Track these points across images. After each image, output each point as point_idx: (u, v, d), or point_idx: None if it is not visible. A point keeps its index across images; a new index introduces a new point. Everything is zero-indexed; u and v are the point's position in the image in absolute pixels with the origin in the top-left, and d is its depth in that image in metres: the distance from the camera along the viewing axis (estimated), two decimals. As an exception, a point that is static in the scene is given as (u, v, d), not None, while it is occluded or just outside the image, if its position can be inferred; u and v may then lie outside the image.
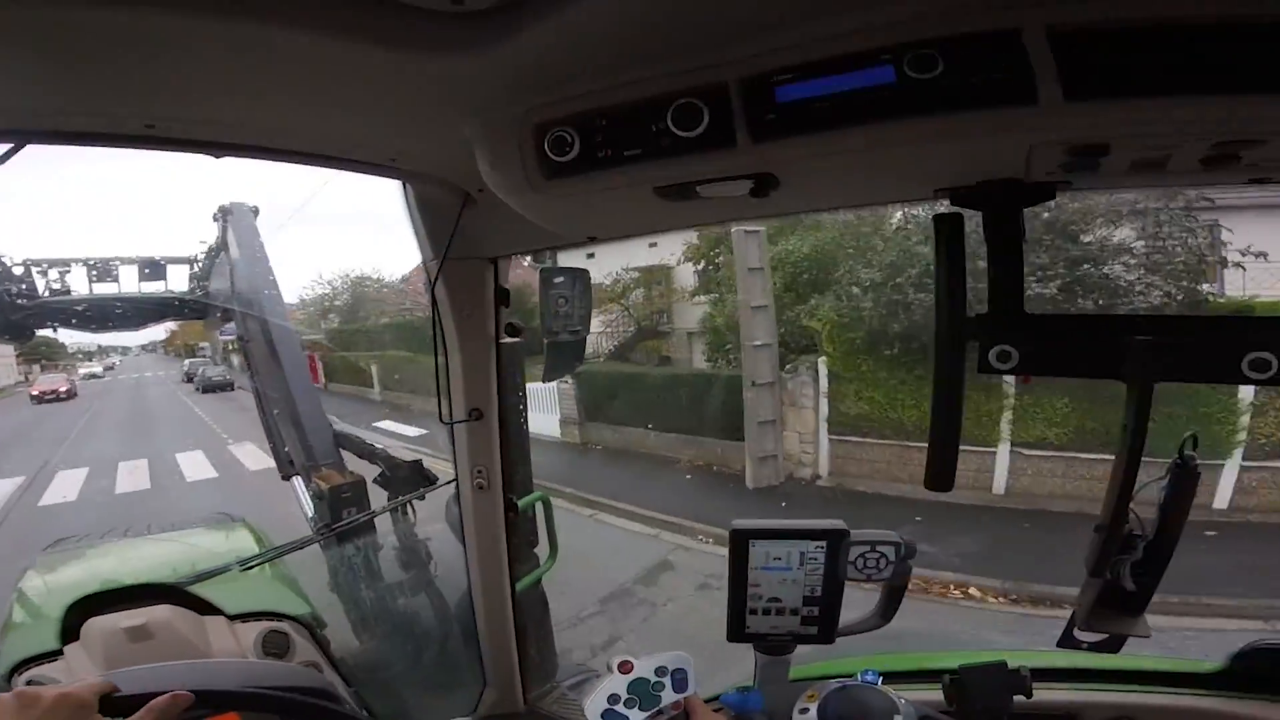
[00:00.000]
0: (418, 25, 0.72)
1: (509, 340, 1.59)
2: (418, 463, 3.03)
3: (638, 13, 0.70)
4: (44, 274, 3.66)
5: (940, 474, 0.90)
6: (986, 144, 0.74)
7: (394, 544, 2.98)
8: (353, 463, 3.19)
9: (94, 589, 2.11)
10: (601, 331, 15.93)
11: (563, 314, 1.62)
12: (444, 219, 1.35)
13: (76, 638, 1.96)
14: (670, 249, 14.39)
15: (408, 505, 2.99)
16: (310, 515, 3.12)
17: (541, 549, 2.27)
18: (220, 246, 3.84)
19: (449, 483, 1.80)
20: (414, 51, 0.75)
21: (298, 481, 3.31)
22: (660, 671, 1.13)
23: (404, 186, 1.39)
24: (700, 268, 14.61)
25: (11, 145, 0.89)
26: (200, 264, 4.07)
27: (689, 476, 10.38)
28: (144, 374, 37.74)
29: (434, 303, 1.49)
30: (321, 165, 1.13)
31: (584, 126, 0.83)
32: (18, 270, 3.57)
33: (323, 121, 0.99)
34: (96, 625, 1.94)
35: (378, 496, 3.03)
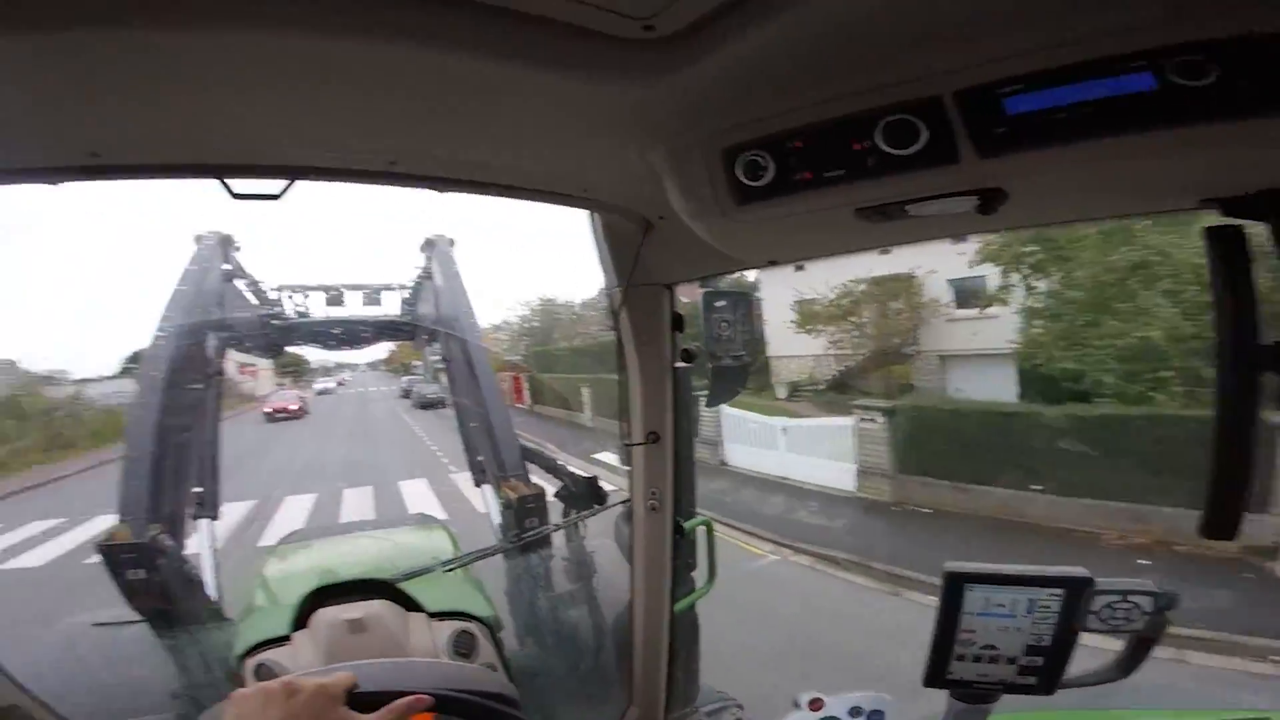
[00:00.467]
0: (608, 52, 0.73)
1: (683, 365, 1.61)
2: (594, 480, 3.15)
3: (837, 28, 0.67)
4: (290, 298, 4.41)
5: (1222, 522, 0.81)
6: (1273, 151, 0.64)
7: (563, 556, 3.10)
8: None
9: (323, 582, 2.34)
10: (824, 354, 14.65)
11: (725, 338, 1.61)
12: (627, 246, 1.40)
13: (304, 626, 2.19)
14: (912, 258, 12.45)
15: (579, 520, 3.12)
16: (498, 523, 3.38)
17: (699, 574, 2.25)
18: (425, 275, 4.36)
19: (623, 502, 1.85)
20: (605, 79, 0.76)
21: (487, 489, 3.62)
22: (855, 712, 1.05)
23: (591, 216, 1.45)
24: (1014, 271, 11.38)
25: (288, 180, 1.04)
26: (409, 291, 4.65)
27: (1143, 562, 7.17)
28: (368, 389, 39.92)
29: (617, 328, 1.56)
30: (524, 199, 1.21)
31: (778, 149, 0.80)
32: (272, 295, 4.33)
33: (525, 157, 1.05)
34: (323, 616, 2.10)
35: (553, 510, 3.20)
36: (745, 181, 0.82)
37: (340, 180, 1.07)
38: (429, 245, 4.31)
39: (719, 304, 1.58)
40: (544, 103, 0.84)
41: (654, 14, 0.68)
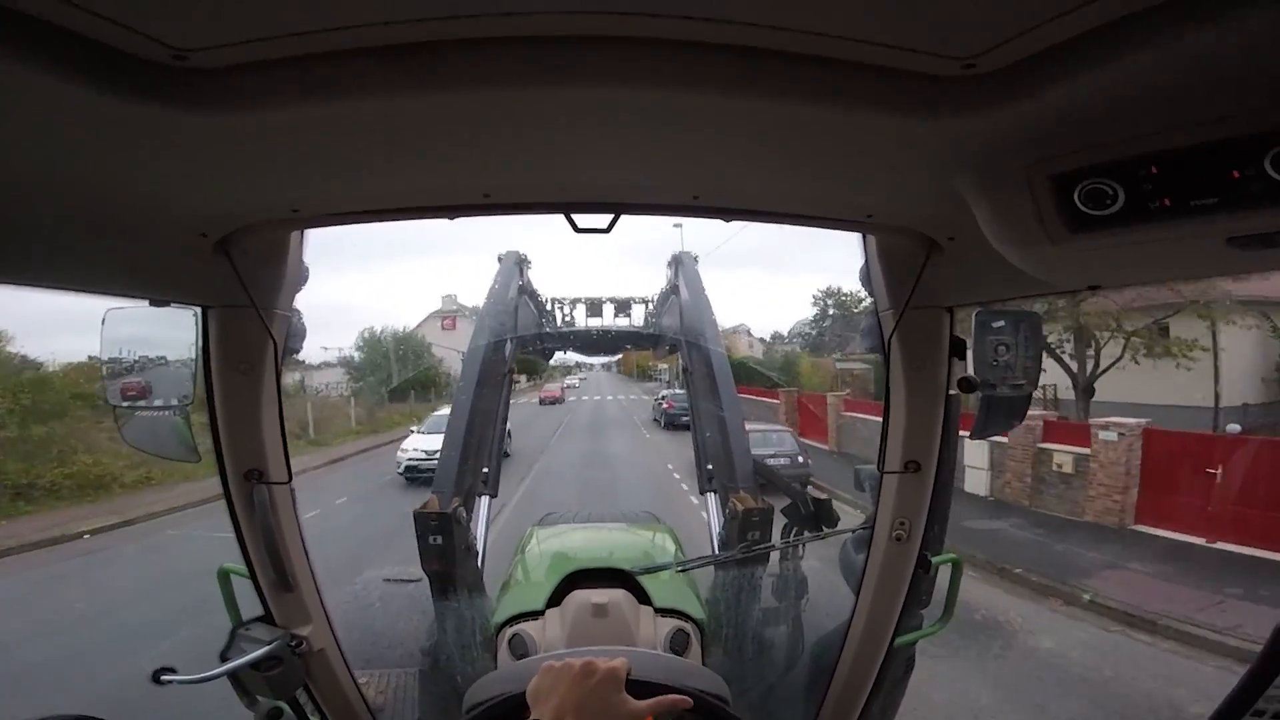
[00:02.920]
0: (923, 90, 0.75)
1: (955, 393, 1.52)
2: (828, 502, 3.09)
3: (1201, 57, 0.62)
4: (560, 309, 5.05)
5: None
6: None
7: (777, 572, 3.07)
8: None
9: (576, 566, 2.54)
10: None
11: (1002, 364, 1.46)
12: (906, 268, 1.36)
13: (555, 604, 2.29)
14: None
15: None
16: (718, 530, 3.47)
17: (931, 611, 2.08)
18: (671, 289, 4.67)
19: (862, 528, 1.79)
20: (914, 115, 0.78)
21: (711, 497, 3.74)
22: None
23: (864, 238, 1.45)
24: None
25: (614, 215, 1.24)
26: (654, 303, 5.03)
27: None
28: (604, 396, 47.39)
29: (886, 351, 1.52)
30: (806, 225, 1.27)
31: (1128, 176, 0.75)
32: (548, 307, 5.00)
33: (808, 187, 1.11)
34: (575, 597, 2.22)
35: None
36: (1085, 210, 0.77)
37: (651, 214, 1.23)
38: (675, 261, 4.60)
39: (997, 325, 1.43)
40: (843, 138, 0.88)
41: (976, 54, 0.68)
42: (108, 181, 0.92)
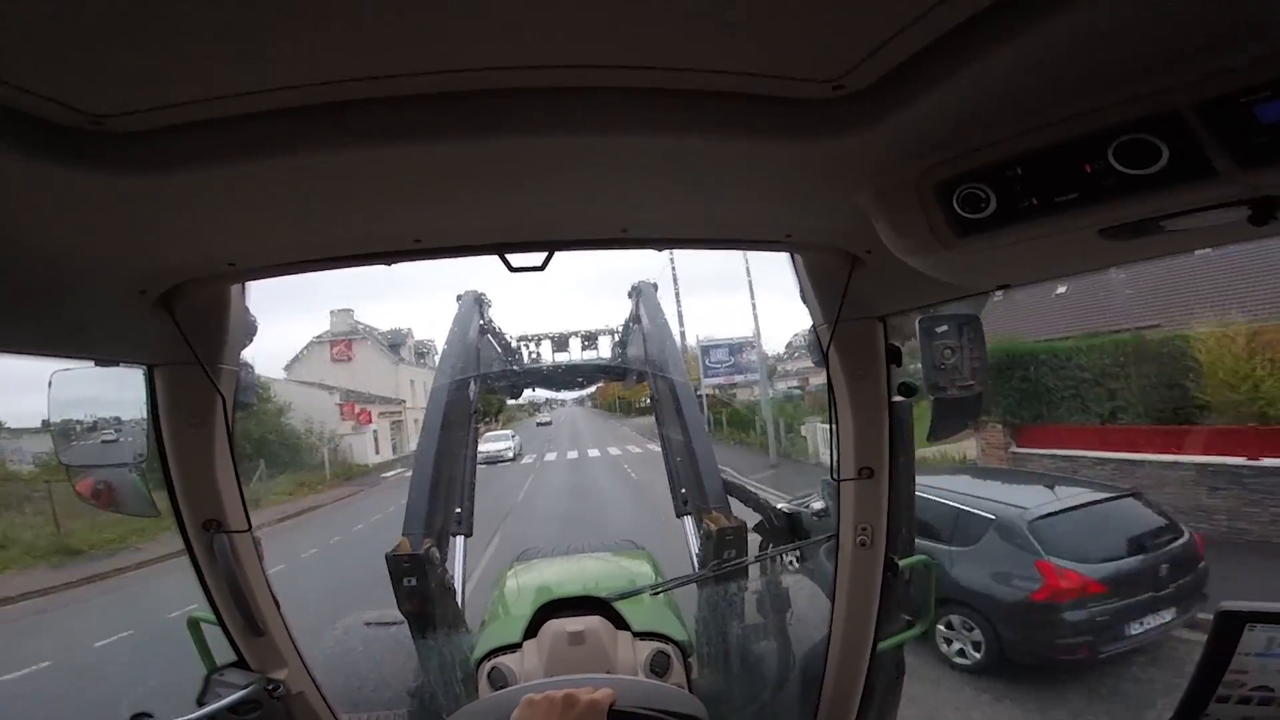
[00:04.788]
0: (803, 113, 0.80)
1: (900, 399, 1.58)
2: (796, 515, 3.13)
3: (1038, 65, 0.68)
4: (526, 346, 5.05)
5: None
6: None
7: (757, 588, 3.09)
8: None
9: (550, 596, 2.55)
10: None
11: (949, 367, 1.52)
12: (833, 283, 1.42)
13: (533, 635, 2.30)
14: None
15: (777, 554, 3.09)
16: (695, 552, 3.47)
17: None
18: (633, 319, 4.71)
19: (828, 538, 1.82)
20: (802, 137, 0.83)
21: (688, 520, 3.75)
22: None
23: (792, 257, 1.51)
24: None
25: (547, 253, 1.28)
26: (619, 334, 5.07)
27: None
28: (580, 450, 30.14)
29: (827, 364, 1.57)
30: (732, 249, 1.33)
31: (997, 179, 0.80)
32: (513, 345, 4.99)
33: (727, 212, 1.17)
34: (551, 627, 2.25)
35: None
36: (965, 214, 0.83)
37: (583, 249, 1.28)
38: (636, 291, 4.66)
39: (940, 329, 1.50)
40: (748, 165, 0.94)
41: (841, 75, 0.74)
42: (41, 245, 0.92)
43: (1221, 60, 0.64)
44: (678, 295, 26.00)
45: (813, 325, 1.62)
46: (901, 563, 1.72)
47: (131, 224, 0.93)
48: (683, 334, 25.87)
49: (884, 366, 1.56)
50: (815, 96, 0.78)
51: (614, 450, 27.77)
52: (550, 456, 27.86)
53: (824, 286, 1.49)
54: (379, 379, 35.22)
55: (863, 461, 1.60)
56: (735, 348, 27.92)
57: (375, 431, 31.96)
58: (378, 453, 31.65)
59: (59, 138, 0.71)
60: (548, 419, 52.04)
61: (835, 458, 1.65)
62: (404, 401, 35.80)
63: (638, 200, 1.09)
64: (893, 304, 1.49)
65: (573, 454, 28.24)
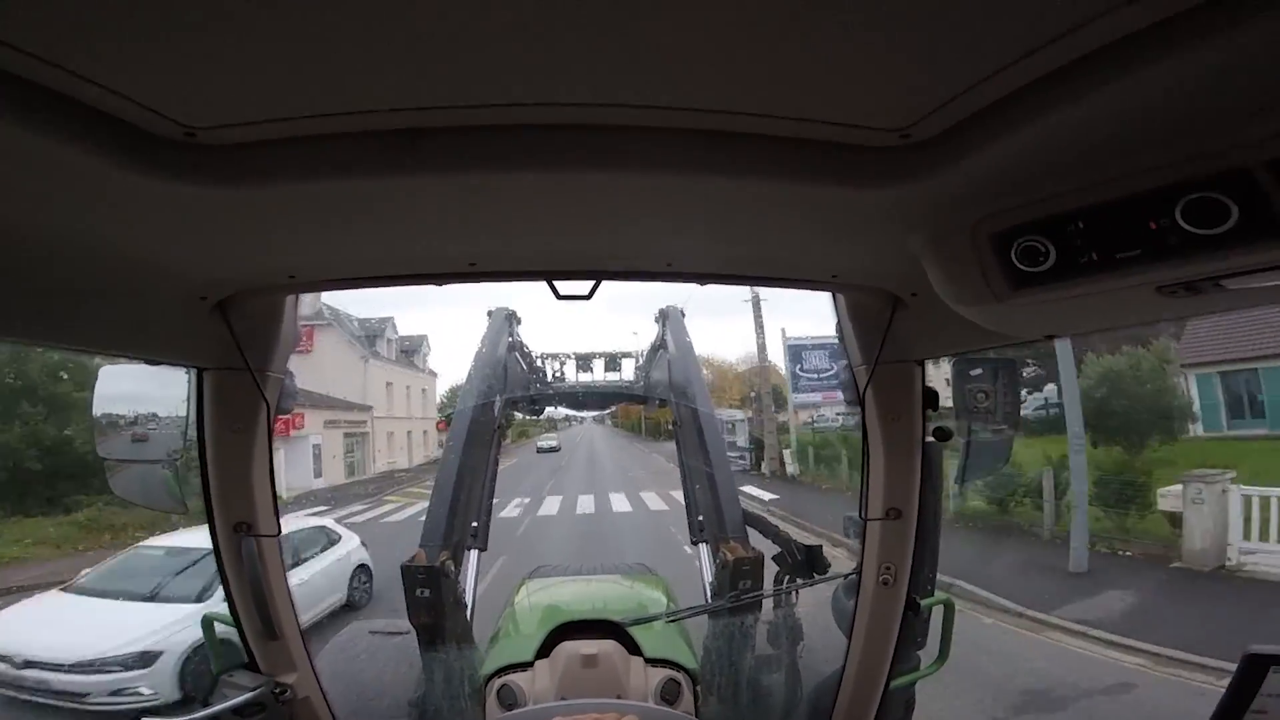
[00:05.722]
0: (865, 161, 0.81)
1: (933, 441, 1.58)
2: (818, 549, 3.09)
3: (1120, 114, 0.67)
4: (550, 365, 5.09)
5: None
6: None
7: (770, 620, 3.05)
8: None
9: (565, 618, 2.55)
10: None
11: (982, 410, 1.52)
12: (874, 324, 1.43)
13: (544, 655, 2.30)
14: None
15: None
16: (710, 580, 3.43)
17: (927, 654, 2.07)
18: (659, 344, 4.73)
19: (850, 575, 1.80)
20: (862, 184, 0.84)
21: (703, 548, 3.71)
22: None
23: (834, 297, 1.52)
24: None
25: (594, 282, 1.32)
26: (643, 358, 5.09)
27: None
28: (593, 485, 21.18)
29: (862, 405, 1.58)
30: (775, 286, 1.36)
31: (1056, 232, 0.79)
32: (538, 363, 5.04)
33: (773, 251, 1.19)
34: (565, 649, 2.24)
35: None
36: (1022, 267, 0.82)
37: (628, 280, 1.31)
38: (663, 316, 4.68)
39: (975, 373, 1.51)
40: (800, 207, 0.95)
41: (909, 125, 0.75)
42: (114, 246, 0.98)
43: None
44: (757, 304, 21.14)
45: (848, 364, 1.63)
46: (923, 603, 1.71)
47: (205, 232, 0.97)
48: (761, 341, 21.19)
49: (919, 409, 1.56)
50: (880, 145, 0.79)
51: (653, 500, 16.58)
52: (549, 508, 16.69)
53: (864, 327, 1.50)
54: (342, 378, 26.39)
55: (891, 502, 1.60)
56: (839, 350, 20.18)
57: (318, 445, 23.01)
58: (319, 475, 22.57)
59: (151, 146, 0.75)
60: (554, 442, 36.22)
61: (864, 497, 1.64)
62: (371, 408, 27.93)
63: (684, 236, 1.12)
64: (933, 348, 1.50)
65: (586, 504, 17.09)
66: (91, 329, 1.12)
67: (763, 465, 20.83)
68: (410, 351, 33.88)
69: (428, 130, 0.78)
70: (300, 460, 21.19)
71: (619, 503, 16.84)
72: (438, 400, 35.97)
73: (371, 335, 30.80)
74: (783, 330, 22.68)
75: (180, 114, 0.72)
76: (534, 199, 0.93)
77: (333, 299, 26.79)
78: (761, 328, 21.32)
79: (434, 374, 36.53)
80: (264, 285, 1.26)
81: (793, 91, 0.70)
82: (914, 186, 0.83)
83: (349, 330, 29.39)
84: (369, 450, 27.13)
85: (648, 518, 14.47)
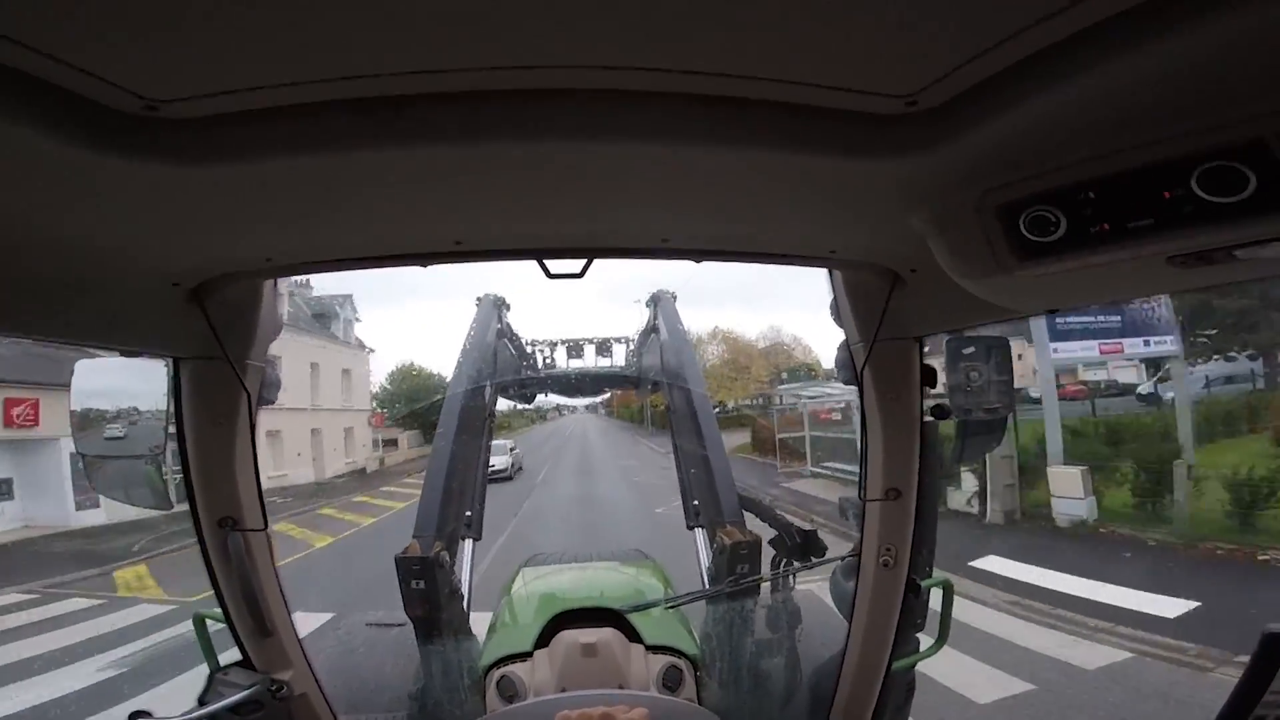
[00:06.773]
0: (870, 130, 0.78)
1: (930, 420, 1.56)
2: (814, 533, 3.09)
3: (1135, 84, 0.65)
4: (540, 351, 5.05)
5: None
6: None
7: (769, 604, 3.06)
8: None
9: (563, 606, 2.52)
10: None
11: (975, 389, 1.51)
12: (872, 301, 1.40)
13: (544, 644, 2.28)
14: None
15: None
16: (707, 565, 3.44)
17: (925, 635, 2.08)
18: (651, 328, 4.70)
19: (849, 556, 1.80)
20: (865, 154, 0.81)
21: (699, 533, 3.71)
22: None
23: (830, 273, 1.50)
24: None
25: (586, 260, 1.28)
26: (634, 343, 5.06)
27: None
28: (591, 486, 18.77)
29: (860, 383, 1.56)
30: (771, 264, 1.32)
31: (1068, 202, 0.78)
32: (528, 350, 5.00)
33: (772, 227, 1.16)
34: (564, 638, 2.22)
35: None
36: (1031, 237, 0.80)
37: (622, 257, 1.27)
38: (654, 300, 4.65)
39: (967, 351, 1.50)
40: (800, 180, 0.92)
41: (916, 91, 0.72)
42: (78, 232, 0.92)
43: None
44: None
45: (845, 343, 1.60)
46: (923, 584, 1.71)
47: (174, 215, 0.92)
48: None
49: (917, 387, 1.55)
50: (885, 112, 0.76)
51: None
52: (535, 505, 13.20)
53: (862, 304, 1.48)
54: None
55: (890, 482, 1.59)
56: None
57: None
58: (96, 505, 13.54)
59: (110, 122, 0.69)
60: (505, 460, 20.66)
61: (862, 477, 1.64)
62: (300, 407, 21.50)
63: (680, 211, 1.09)
64: (932, 324, 1.47)
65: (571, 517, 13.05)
66: (59, 320, 1.08)
67: (988, 505, 11.80)
68: (324, 316, 25.08)
69: (407, 98, 0.73)
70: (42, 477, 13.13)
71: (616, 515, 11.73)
72: (374, 387, 28.92)
73: (322, 315, 24.95)
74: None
75: (138, 85, 0.66)
76: (520, 171, 0.89)
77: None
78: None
79: (364, 348, 27.64)
80: (239, 270, 1.21)
81: (795, 52, 0.67)
82: (920, 157, 0.80)
83: (304, 308, 24.08)
84: (281, 452, 20.54)
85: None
